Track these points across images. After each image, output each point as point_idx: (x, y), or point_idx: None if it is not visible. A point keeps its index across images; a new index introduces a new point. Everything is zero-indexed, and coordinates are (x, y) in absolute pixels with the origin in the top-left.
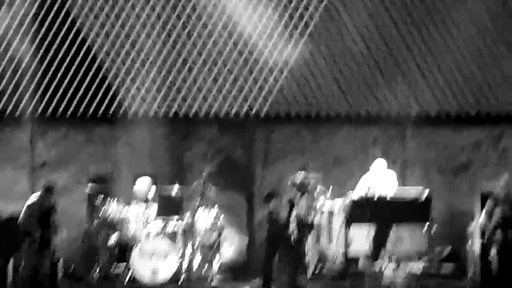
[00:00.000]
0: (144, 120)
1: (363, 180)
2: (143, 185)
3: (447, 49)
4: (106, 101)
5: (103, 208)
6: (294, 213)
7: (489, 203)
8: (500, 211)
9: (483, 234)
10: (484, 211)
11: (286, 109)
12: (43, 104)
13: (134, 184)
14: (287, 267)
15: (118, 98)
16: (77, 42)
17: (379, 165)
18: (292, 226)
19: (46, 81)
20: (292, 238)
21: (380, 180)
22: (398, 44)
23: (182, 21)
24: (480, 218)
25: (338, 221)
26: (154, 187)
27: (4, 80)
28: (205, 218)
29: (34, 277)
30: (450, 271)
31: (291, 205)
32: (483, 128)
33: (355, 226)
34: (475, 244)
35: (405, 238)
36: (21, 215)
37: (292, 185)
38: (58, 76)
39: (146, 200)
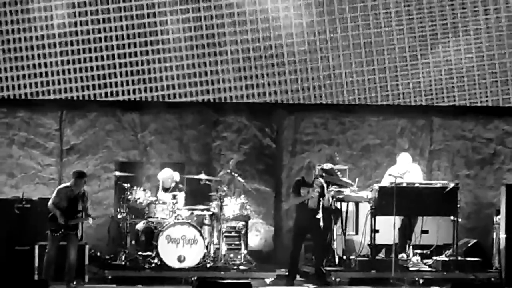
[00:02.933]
0: (173, 108)
1: (390, 171)
2: (167, 174)
3: (476, 40)
4: (136, 88)
5: (130, 195)
6: (325, 201)
7: None
8: None
9: (508, 226)
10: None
11: (314, 98)
12: (72, 90)
13: (159, 174)
14: (313, 256)
15: (147, 85)
16: (108, 27)
17: (405, 158)
18: (321, 215)
19: (75, 66)
20: (321, 227)
21: (406, 172)
22: (426, 34)
23: (212, 5)
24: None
25: (365, 211)
26: (178, 175)
27: (34, 65)
28: (232, 206)
29: (59, 262)
30: (475, 263)
31: (320, 194)
32: (510, 120)
33: (382, 217)
34: (500, 236)
35: (431, 229)
36: (50, 201)
37: (320, 175)
38: (88, 61)
39: (173, 188)
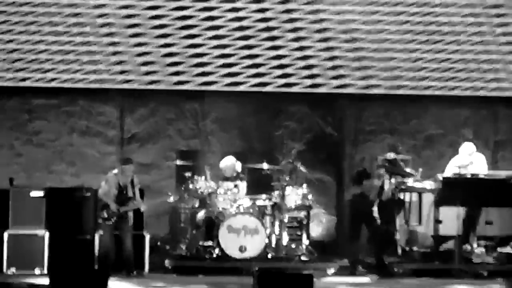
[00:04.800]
0: (234, 96)
1: (453, 162)
2: (229, 163)
3: None
4: (196, 77)
5: (191, 184)
6: (384, 193)
7: None
8: None
9: None
10: None
11: (377, 88)
12: (133, 79)
13: (222, 163)
14: (374, 247)
15: (208, 74)
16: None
17: (469, 148)
18: (376, 208)
19: (136, 55)
20: (378, 218)
21: (470, 163)
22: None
23: None
24: None
25: (428, 201)
26: (240, 164)
27: (95, 55)
28: (294, 196)
29: (116, 252)
30: None
31: (381, 185)
32: None
33: (445, 207)
34: None
35: (495, 221)
36: (100, 189)
37: (382, 165)
38: (148, 50)
39: (234, 178)
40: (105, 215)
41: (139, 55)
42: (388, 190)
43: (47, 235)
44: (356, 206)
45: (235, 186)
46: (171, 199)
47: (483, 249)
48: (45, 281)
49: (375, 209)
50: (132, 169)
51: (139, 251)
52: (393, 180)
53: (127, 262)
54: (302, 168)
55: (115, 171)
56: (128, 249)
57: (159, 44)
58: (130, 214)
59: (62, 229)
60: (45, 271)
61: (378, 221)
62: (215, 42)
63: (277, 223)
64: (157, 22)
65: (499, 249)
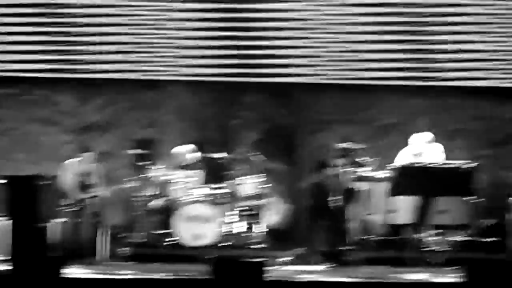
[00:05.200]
0: (191, 86)
1: (405, 151)
2: (183, 151)
3: (492, 21)
4: (153, 66)
5: (147, 173)
6: (340, 182)
7: None
8: None
9: None
10: None
11: (333, 77)
12: (88, 68)
13: (175, 150)
14: (330, 236)
15: (164, 63)
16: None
17: (425, 137)
18: (337, 196)
19: (93, 44)
20: (337, 208)
21: (426, 152)
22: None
23: None
24: None
25: (381, 191)
26: (195, 153)
27: (56, 44)
28: (249, 185)
29: (75, 240)
30: (493, 243)
31: (338, 175)
32: None
33: (398, 197)
34: None
35: (449, 209)
36: (59, 178)
37: (338, 155)
38: (106, 40)
39: (190, 166)
40: (65, 202)
41: (97, 44)
42: (345, 179)
43: (9, 222)
44: (315, 195)
45: (191, 175)
46: (127, 186)
47: (436, 238)
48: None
49: (332, 198)
50: (92, 157)
51: (96, 239)
52: (349, 170)
53: (84, 250)
54: (258, 157)
55: (76, 159)
56: (87, 237)
57: (117, 32)
58: (91, 201)
59: (22, 217)
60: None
61: (335, 210)
62: (172, 32)
63: (232, 211)
64: (112, 10)
65: (452, 238)
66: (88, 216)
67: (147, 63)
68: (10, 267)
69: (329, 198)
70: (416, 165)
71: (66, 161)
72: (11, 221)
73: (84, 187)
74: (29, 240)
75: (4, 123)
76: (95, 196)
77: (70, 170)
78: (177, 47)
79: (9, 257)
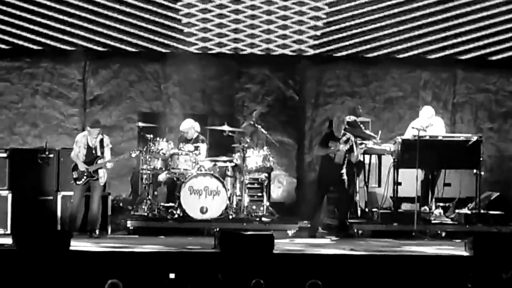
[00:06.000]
0: (196, 59)
1: (412, 124)
2: (189, 125)
3: None
4: (159, 39)
5: (153, 146)
6: (353, 157)
7: None
8: None
9: None
10: None
11: (337, 50)
12: (96, 41)
13: (181, 126)
14: (336, 209)
15: (171, 36)
16: None
17: (428, 111)
18: (345, 170)
19: (99, 17)
20: (345, 182)
21: (429, 125)
22: None
23: None
24: None
25: (387, 163)
26: (199, 126)
27: (57, 16)
28: (255, 158)
29: (83, 213)
30: (498, 216)
31: (348, 150)
32: None
33: (404, 169)
34: None
35: (454, 182)
36: (72, 152)
37: (344, 128)
38: (111, 12)
39: (194, 140)
40: (75, 175)
41: (103, 16)
42: (357, 153)
43: (10, 195)
44: (323, 168)
45: (196, 148)
46: (133, 155)
47: (441, 211)
48: (9, 241)
49: (343, 171)
50: (97, 132)
51: (102, 212)
52: (360, 143)
53: (92, 223)
54: (263, 130)
55: (85, 132)
56: (95, 210)
57: (122, 6)
58: (101, 173)
59: (25, 190)
60: (9, 231)
61: (346, 183)
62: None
63: (238, 185)
64: None
65: (457, 211)
66: (99, 187)
67: (152, 35)
68: (12, 241)
69: (335, 171)
70: (422, 138)
71: (78, 135)
72: (11, 194)
73: (92, 159)
74: (32, 214)
75: (8, 96)
76: (100, 165)
77: (80, 143)
78: (183, 20)
79: (10, 231)
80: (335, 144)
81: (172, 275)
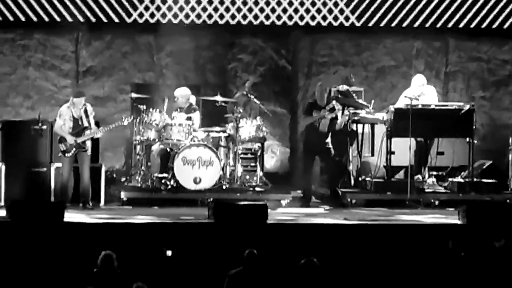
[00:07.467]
0: (189, 30)
1: (405, 93)
2: (184, 92)
3: None
4: (151, 9)
5: (146, 117)
6: (337, 124)
7: None
8: None
9: None
10: None
11: (330, 19)
12: (88, 12)
13: (176, 91)
14: (328, 178)
15: (163, 6)
16: None
17: (420, 79)
18: (330, 139)
19: None
20: (332, 150)
21: (421, 94)
22: None
23: None
24: None
25: (380, 133)
26: (194, 97)
27: None
28: (248, 128)
29: (74, 184)
30: (491, 184)
31: (334, 117)
32: None
33: (397, 138)
34: None
35: (447, 151)
36: (55, 124)
37: (335, 97)
38: None
39: (187, 109)
40: (63, 147)
41: None
42: (341, 121)
43: (3, 167)
44: (308, 137)
45: (189, 118)
46: (125, 122)
47: (434, 179)
48: (2, 212)
49: (328, 140)
50: (82, 102)
51: (95, 183)
52: (346, 112)
53: (84, 194)
54: (256, 100)
55: (68, 104)
56: (86, 182)
57: None
58: (88, 144)
59: (18, 162)
60: (2, 203)
61: (332, 152)
62: None
63: (231, 155)
64: None
65: (450, 179)
66: (87, 158)
67: (143, 6)
68: (6, 213)
69: (320, 140)
70: (414, 106)
71: (61, 107)
72: (5, 166)
73: (79, 130)
74: (25, 185)
75: (0, 68)
76: (89, 136)
77: (65, 115)
78: None
79: (3, 202)
80: (318, 113)
81: (169, 253)
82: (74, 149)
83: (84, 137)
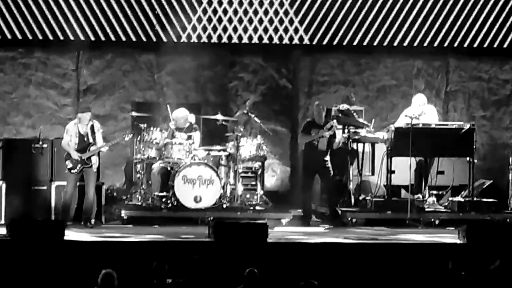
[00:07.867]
0: (189, 48)
1: (405, 112)
2: (181, 114)
3: None
4: (152, 28)
5: (147, 136)
6: (335, 143)
7: None
8: None
9: None
10: None
11: (330, 39)
12: (89, 30)
13: (174, 113)
14: (327, 197)
15: (164, 25)
16: None
17: (420, 99)
18: (329, 158)
19: (92, 6)
20: (331, 168)
21: (421, 113)
22: None
23: None
24: None
25: (381, 152)
26: (194, 116)
27: (51, 5)
28: (248, 147)
29: (78, 202)
30: (491, 204)
31: (331, 136)
32: None
33: (397, 158)
34: None
35: (447, 170)
36: (62, 141)
37: (336, 116)
38: (104, 2)
39: (187, 129)
40: (70, 164)
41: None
42: (339, 140)
43: (4, 186)
44: (307, 155)
45: (189, 137)
46: (127, 138)
47: (434, 199)
48: (2, 231)
49: (327, 158)
50: (88, 117)
51: (96, 201)
52: (345, 130)
53: (87, 211)
54: (257, 119)
55: (75, 120)
56: (90, 199)
57: None
58: (94, 160)
59: (19, 180)
60: (2, 221)
61: (331, 171)
62: None
63: (232, 174)
64: None
65: (450, 198)
66: (93, 175)
67: (144, 25)
68: (6, 231)
69: (319, 158)
70: (415, 126)
71: (68, 124)
72: (5, 185)
73: (85, 146)
74: (26, 204)
75: (1, 87)
76: (94, 152)
77: (71, 132)
78: (177, 8)
79: (4, 221)
80: (317, 131)
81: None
82: (79, 165)
83: (89, 153)
